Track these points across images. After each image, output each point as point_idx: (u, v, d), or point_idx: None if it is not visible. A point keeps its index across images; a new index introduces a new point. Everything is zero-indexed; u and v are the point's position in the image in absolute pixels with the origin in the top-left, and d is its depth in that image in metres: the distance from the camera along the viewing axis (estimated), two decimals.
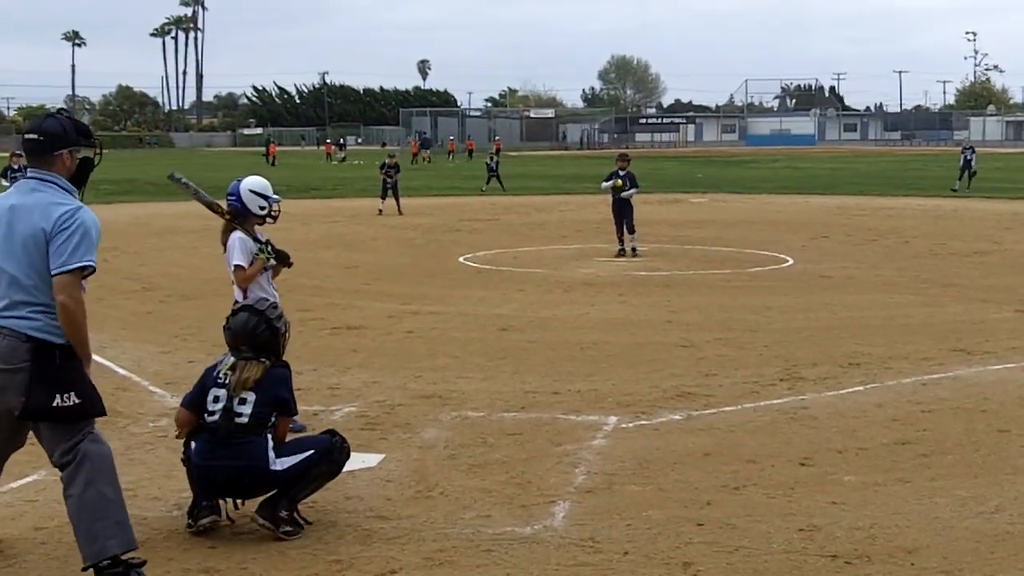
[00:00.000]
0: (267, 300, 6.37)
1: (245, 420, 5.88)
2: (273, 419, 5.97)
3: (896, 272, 17.16)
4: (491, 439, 7.78)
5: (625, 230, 19.45)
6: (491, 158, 43.28)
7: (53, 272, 4.97)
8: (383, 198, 30.18)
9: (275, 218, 8.01)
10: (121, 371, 9.97)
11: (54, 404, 4.97)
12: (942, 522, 6.09)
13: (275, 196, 7.99)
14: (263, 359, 6.06)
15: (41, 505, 6.27)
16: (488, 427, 8.10)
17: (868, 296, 14.70)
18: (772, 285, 15.82)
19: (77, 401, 5.00)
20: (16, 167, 23.79)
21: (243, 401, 5.91)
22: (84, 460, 5.08)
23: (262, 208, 7.87)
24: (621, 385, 9.38)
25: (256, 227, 7.97)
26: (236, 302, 7.64)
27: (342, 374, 9.89)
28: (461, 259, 19.20)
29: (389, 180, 30.20)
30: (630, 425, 8.17)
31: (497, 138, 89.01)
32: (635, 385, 9.37)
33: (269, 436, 5.92)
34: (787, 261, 18.63)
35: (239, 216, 7.86)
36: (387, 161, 30.97)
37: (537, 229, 25.53)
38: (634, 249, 19.35)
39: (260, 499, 5.95)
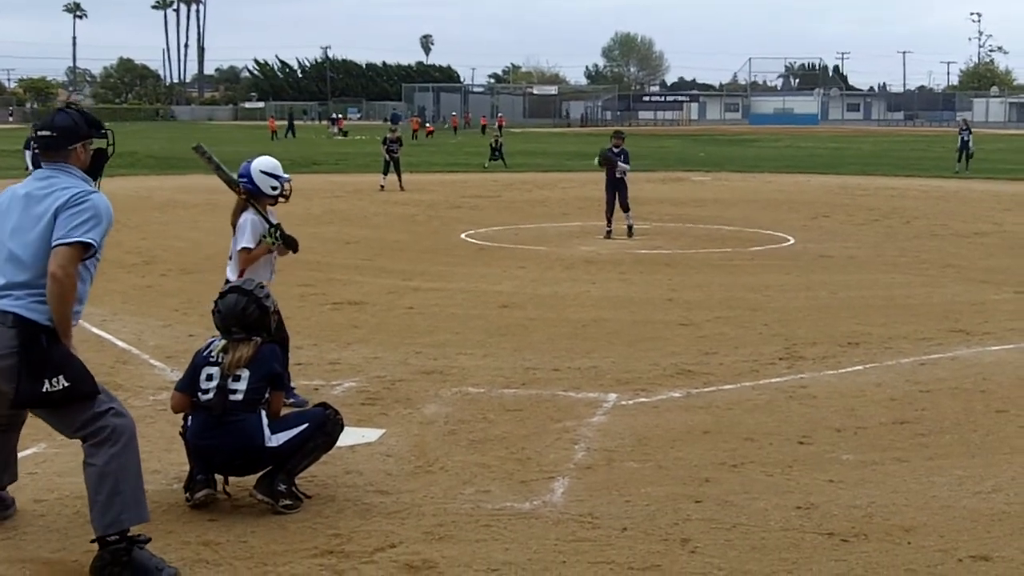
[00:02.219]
0: (253, 280, 6.35)
1: (240, 397, 5.89)
2: (267, 395, 6.00)
3: (897, 252, 17.17)
4: (491, 415, 7.81)
5: (619, 208, 19.07)
6: (496, 140, 43.18)
7: (52, 243, 4.95)
8: (385, 173, 30.17)
9: (287, 198, 7.98)
10: (121, 344, 9.99)
11: (44, 390, 4.93)
12: (939, 501, 6.11)
13: (286, 175, 7.96)
14: (254, 337, 6.08)
15: (40, 478, 6.30)
16: (488, 403, 8.13)
17: (868, 276, 14.71)
18: (773, 264, 15.83)
19: (67, 384, 4.95)
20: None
21: (237, 378, 5.91)
22: (112, 434, 5.06)
23: (274, 188, 7.83)
24: (621, 363, 9.40)
25: (268, 207, 7.94)
26: (227, 281, 7.65)
27: (343, 349, 9.91)
28: (462, 236, 19.21)
29: (391, 155, 30.19)
30: (630, 402, 8.19)
31: (500, 115, 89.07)
32: (635, 363, 9.39)
33: (263, 412, 5.94)
34: (788, 240, 18.63)
35: (253, 196, 7.80)
36: (389, 135, 30.95)
37: (539, 206, 25.53)
38: (630, 227, 19.03)
39: (257, 474, 5.98)
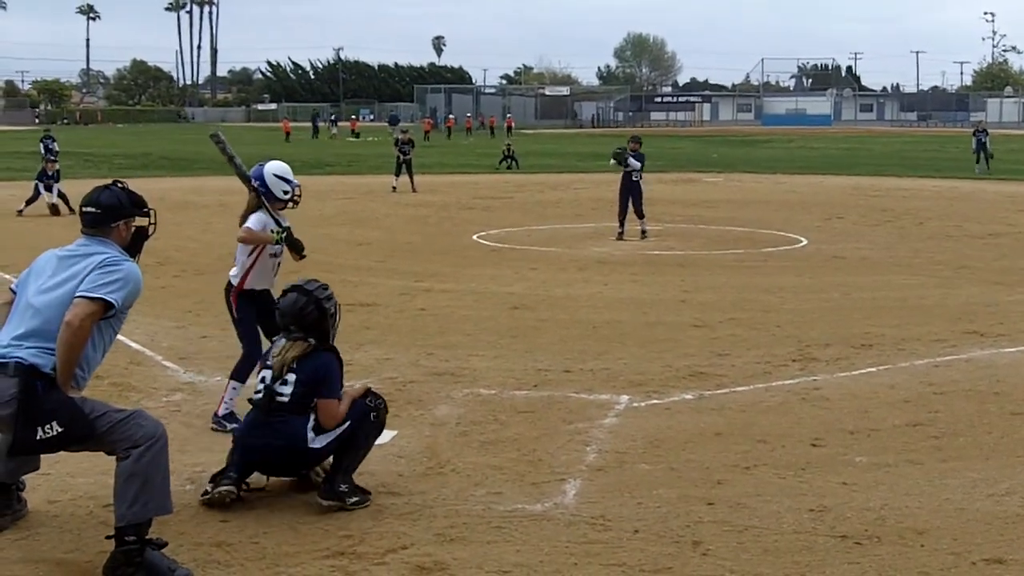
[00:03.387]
0: (318, 282, 6.37)
1: (285, 400, 5.95)
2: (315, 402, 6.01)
3: (910, 253, 17.11)
4: (503, 417, 7.80)
5: (634, 214, 18.80)
6: (508, 147, 43.16)
7: (76, 294, 5.05)
8: (397, 175, 30.19)
9: (296, 202, 8.00)
10: (135, 345, 10.01)
11: (38, 437, 5.00)
12: (953, 504, 6.09)
13: (295, 181, 7.98)
14: (309, 339, 6.08)
15: (54, 479, 6.31)
16: (500, 405, 8.12)
17: (882, 277, 14.67)
18: (786, 265, 15.80)
19: (60, 430, 5.01)
20: (50, 173, 23.24)
21: (284, 382, 5.98)
22: (138, 440, 5.09)
23: (285, 192, 7.85)
24: (633, 364, 9.39)
25: (280, 211, 7.93)
26: (228, 282, 7.76)
27: (355, 351, 9.90)
28: (474, 237, 19.21)
29: (403, 156, 30.22)
30: (642, 404, 8.18)
31: (509, 115, 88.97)
32: (647, 364, 9.37)
33: (311, 416, 5.97)
34: (801, 241, 18.58)
35: (264, 199, 7.80)
36: (400, 137, 31.00)
37: (551, 207, 25.51)
38: (643, 232, 18.78)
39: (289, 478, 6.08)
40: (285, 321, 6.17)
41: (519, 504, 6.05)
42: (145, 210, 5.54)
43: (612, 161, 19.69)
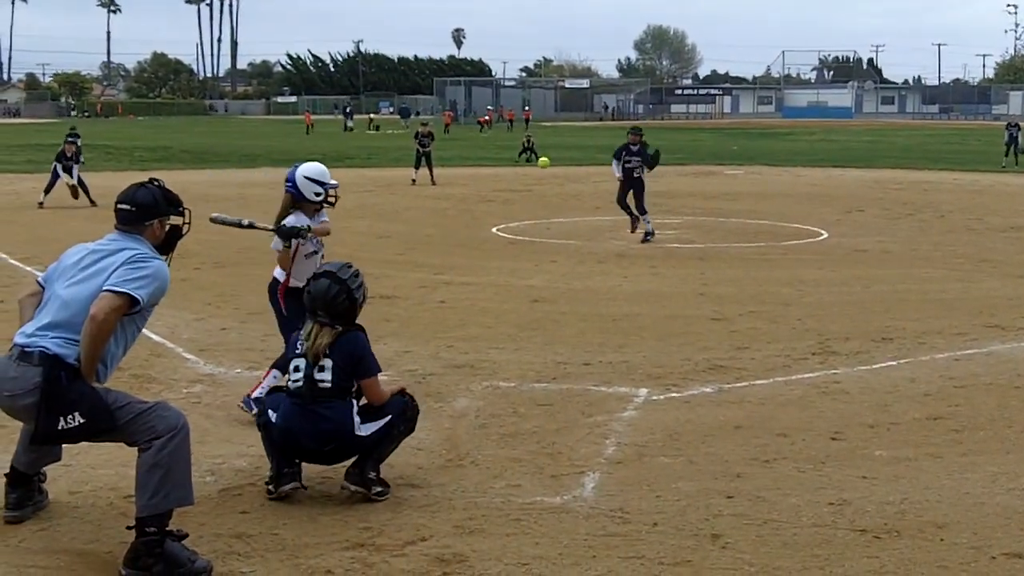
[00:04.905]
0: (350, 267, 6.37)
1: (328, 385, 5.96)
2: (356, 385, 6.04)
3: (931, 247, 17.03)
4: (522, 409, 7.81)
5: (635, 211, 17.71)
6: (528, 139, 43.17)
7: (103, 288, 5.08)
8: (417, 168, 30.22)
9: (332, 203, 8.03)
10: (155, 337, 10.04)
11: (59, 427, 5.04)
12: (973, 498, 6.06)
13: (332, 182, 7.97)
14: (336, 326, 6.11)
15: (74, 469, 6.34)
16: (519, 397, 8.13)
17: (903, 270, 14.60)
18: (806, 258, 15.74)
19: (82, 421, 5.05)
20: (69, 155, 23.39)
21: (322, 368, 5.99)
22: (160, 431, 5.12)
23: (317, 194, 7.84)
24: (652, 357, 9.38)
25: (315, 212, 7.91)
26: (274, 279, 7.82)
27: (374, 343, 9.77)
28: (494, 230, 19.21)
29: (423, 149, 30.25)
30: (661, 397, 8.17)
31: (527, 108, 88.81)
32: (666, 357, 9.36)
33: (355, 402, 6.00)
34: (821, 234, 18.52)
35: (296, 201, 7.82)
36: (420, 130, 31.02)
37: (570, 200, 25.49)
38: (647, 235, 17.39)
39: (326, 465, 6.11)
40: (314, 306, 6.16)
41: (538, 497, 6.05)
42: (180, 209, 5.56)
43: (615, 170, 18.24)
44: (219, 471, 6.43)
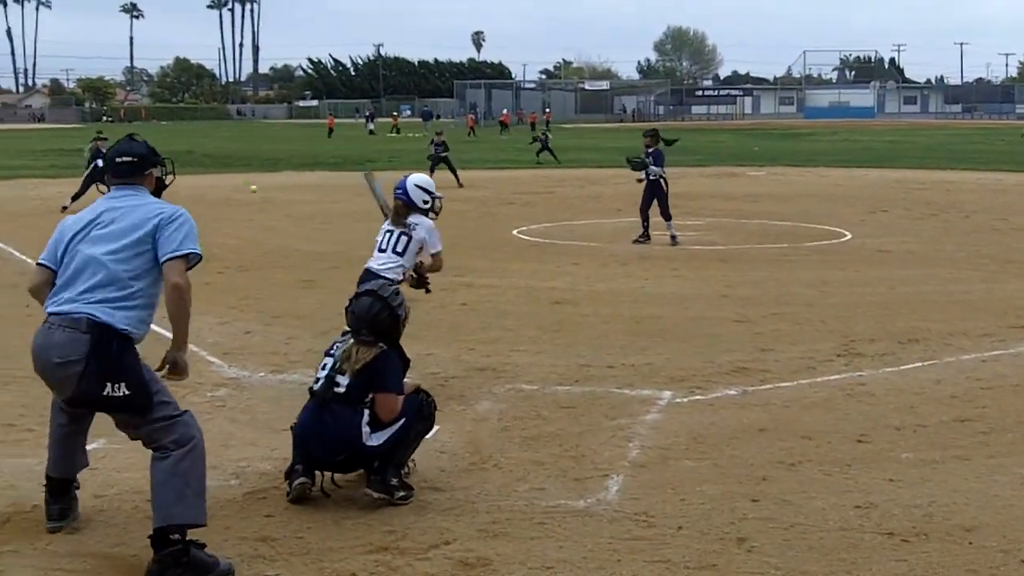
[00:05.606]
0: (390, 285, 6.44)
1: (342, 391, 5.98)
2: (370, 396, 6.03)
3: (956, 247, 16.92)
4: (545, 412, 7.79)
5: (661, 217, 17.27)
6: (544, 134, 43.21)
7: (165, 258, 5.18)
8: (431, 172, 30.27)
9: (437, 213, 8.58)
10: None
11: (104, 393, 5.05)
12: (1001, 500, 6.00)
13: (439, 194, 8.62)
14: (379, 343, 6.13)
15: (100, 473, 6.36)
16: (542, 400, 8.11)
17: (927, 271, 14.51)
18: (829, 259, 15.66)
19: (127, 393, 5.07)
20: (103, 150, 23.51)
21: (343, 372, 6.02)
22: (182, 439, 5.16)
23: (425, 202, 8.46)
24: (676, 359, 9.34)
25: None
26: (366, 269, 8.29)
27: None
28: (515, 232, 19.20)
29: (439, 156, 30.42)
30: (684, 400, 8.14)
31: (548, 110, 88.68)
32: (690, 360, 9.32)
33: (366, 411, 5.98)
34: (845, 235, 18.42)
35: (406, 207, 8.42)
36: (435, 139, 31.16)
37: (591, 202, 25.45)
38: (673, 238, 17.13)
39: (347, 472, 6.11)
40: (358, 325, 6.17)
41: (562, 500, 6.03)
42: (163, 161, 5.70)
43: (629, 167, 18.14)
44: (244, 474, 6.44)
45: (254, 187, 24.15)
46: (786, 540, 5.47)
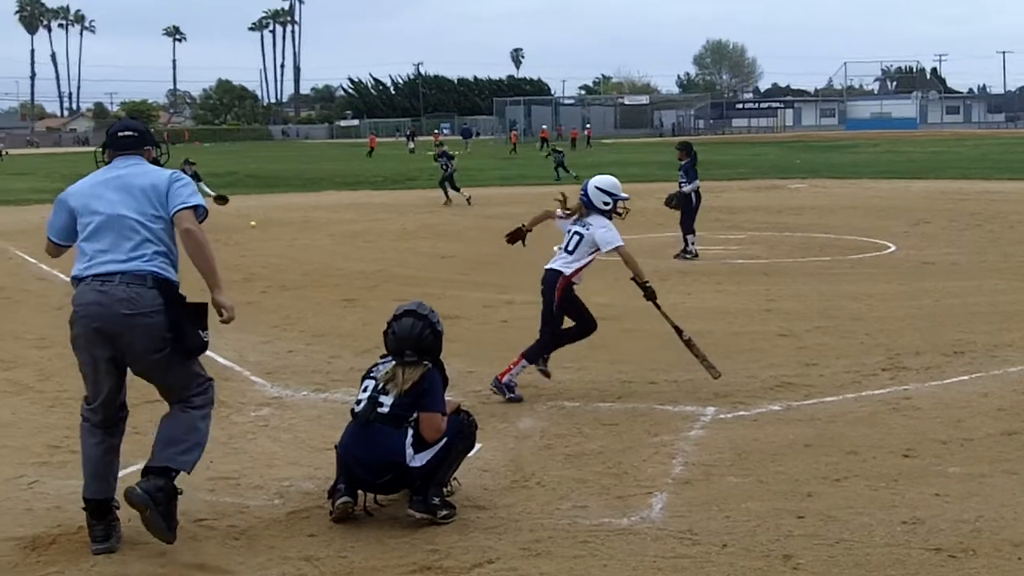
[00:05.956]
0: (427, 304, 6.47)
1: (386, 410, 6.00)
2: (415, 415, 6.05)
3: (1001, 257, 16.73)
4: (587, 429, 7.77)
5: (680, 229, 17.48)
6: (555, 152, 42.88)
7: (176, 208, 5.62)
8: (456, 189, 30.06)
9: (621, 214, 9.11)
10: (223, 361, 10.14)
11: (205, 340, 5.65)
12: None
13: (623, 195, 9.05)
14: (425, 361, 6.15)
15: None
16: (584, 417, 8.09)
17: (972, 282, 14.35)
18: (873, 272, 15.53)
19: (207, 337, 5.66)
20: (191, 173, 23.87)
21: (387, 392, 6.05)
22: (210, 401, 5.82)
23: (605, 204, 9.02)
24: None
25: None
26: (552, 271, 8.96)
27: None
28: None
29: (444, 171, 30.10)
30: (728, 416, 8.09)
31: (588, 126, 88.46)
32: (733, 375, 9.26)
33: (409, 431, 5.99)
34: (889, 247, 18.27)
35: (586, 208, 9.01)
36: (436, 150, 31.00)
37: (632, 216, 25.06)
38: (687, 252, 17.27)
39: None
40: (401, 346, 6.18)
41: (605, 518, 6.01)
42: (157, 142, 6.21)
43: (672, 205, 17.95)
44: (287, 494, 6.46)
45: (253, 222, 24.34)
46: (831, 556, 5.42)
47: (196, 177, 23.97)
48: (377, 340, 6.68)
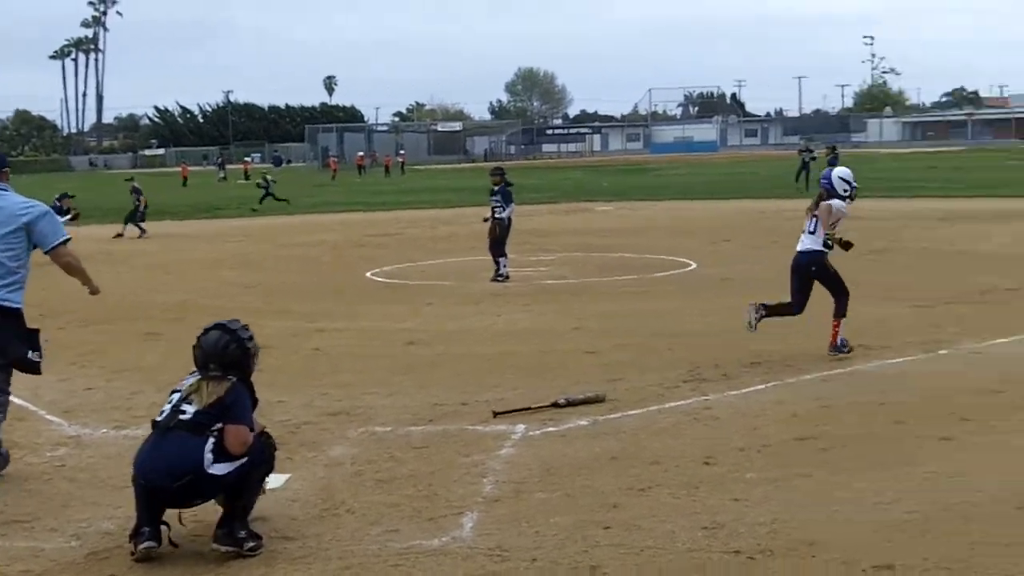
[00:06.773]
0: (238, 320, 6.31)
1: (188, 417, 5.87)
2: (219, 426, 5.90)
3: None
4: (398, 453, 7.74)
5: (490, 252, 17.62)
6: (264, 179, 42.70)
7: (51, 247, 7.38)
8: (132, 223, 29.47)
9: (851, 199, 10.98)
10: (17, 400, 9.63)
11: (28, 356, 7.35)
12: (842, 514, 6.20)
13: (856, 184, 11.06)
14: (230, 376, 6.02)
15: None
16: (395, 442, 8.06)
17: (769, 296, 14.88)
18: (675, 289, 16.02)
19: (38, 360, 7.43)
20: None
21: (190, 401, 5.93)
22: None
23: (845, 191, 10.87)
24: (528, 394, 9.38)
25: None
26: (805, 252, 11.07)
27: None
28: (368, 274, 19.10)
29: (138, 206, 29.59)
30: (537, 433, 8.19)
31: (401, 152, 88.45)
32: (542, 393, 9.36)
33: (211, 439, 5.83)
34: (690, 265, 18.87)
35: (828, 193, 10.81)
36: (133, 183, 30.42)
37: (443, 242, 25.51)
38: (499, 275, 17.31)
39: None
40: (207, 360, 6.06)
41: (416, 540, 6.00)
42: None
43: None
44: (85, 535, 6.22)
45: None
46: (637, 564, 5.54)
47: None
48: (180, 374, 6.51)
